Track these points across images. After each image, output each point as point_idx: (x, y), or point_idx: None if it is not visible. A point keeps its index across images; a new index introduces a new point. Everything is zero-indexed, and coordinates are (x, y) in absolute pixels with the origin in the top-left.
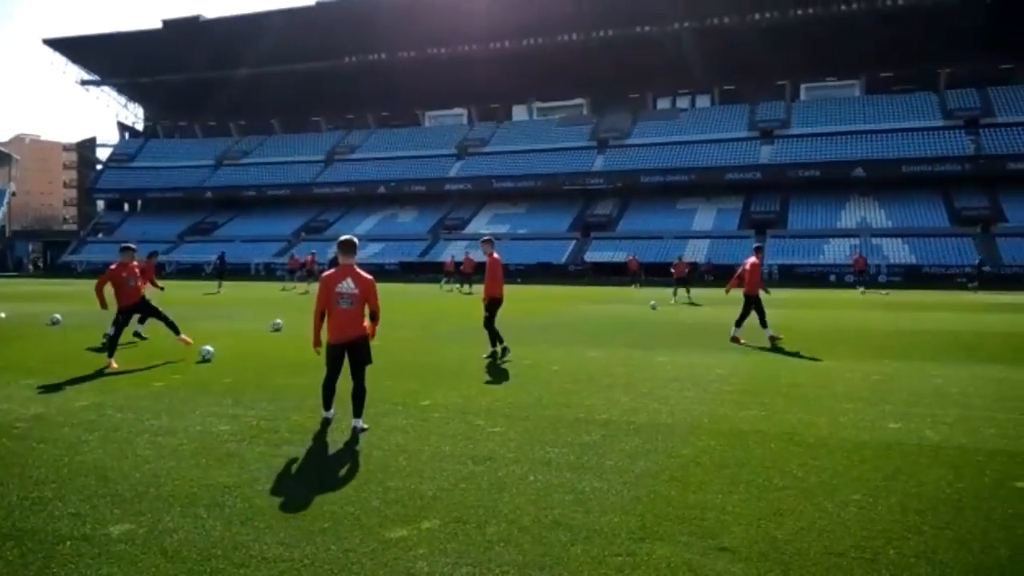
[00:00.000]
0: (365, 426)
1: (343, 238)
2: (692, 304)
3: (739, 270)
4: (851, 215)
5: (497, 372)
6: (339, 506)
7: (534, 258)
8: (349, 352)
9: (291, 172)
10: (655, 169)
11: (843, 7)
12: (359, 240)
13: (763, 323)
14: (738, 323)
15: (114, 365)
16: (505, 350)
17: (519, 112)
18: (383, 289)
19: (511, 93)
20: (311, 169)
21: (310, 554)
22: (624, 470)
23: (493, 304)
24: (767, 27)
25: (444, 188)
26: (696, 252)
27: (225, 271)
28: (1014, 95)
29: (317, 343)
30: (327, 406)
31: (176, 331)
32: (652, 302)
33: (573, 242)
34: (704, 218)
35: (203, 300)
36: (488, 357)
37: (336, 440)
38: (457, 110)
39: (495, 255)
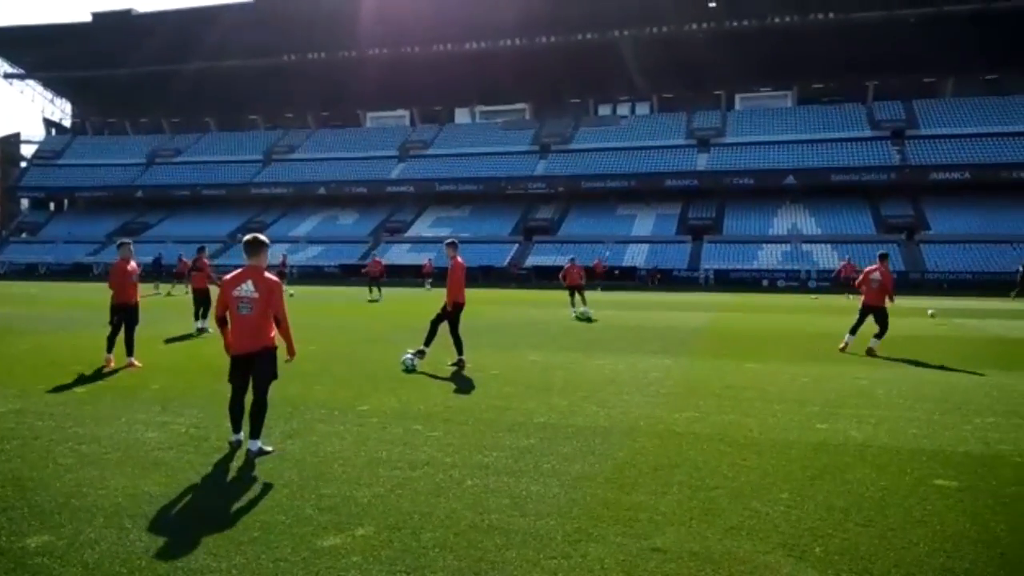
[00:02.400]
0: (268, 448)
1: (248, 236)
2: (586, 319)
3: (861, 276)
4: (783, 222)
5: (436, 377)
6: (271, 515)
7: (476, 261)
8: (252, 364)
9: (227, 172)
10: (596, 175)
11: (776, 20)
12: (299, 240)
13: (878, 333)
14: (852, 330)
15: (112, 363)
16: (460, 362)
17: (462, 115)
18: (322, 292)
19: (454, 96)
20: (248, 169)
21: (239, 564)
22: (561, 473)
23: (456, 309)
24: (704, 37)
25: (386, 190)
26: (636, 257)
27: (163, 273)
28: (937, 108)
29: (228, 349)
30: (235, 427)
31: (131, 349)
32: (572, 311)
33: (515, 246)
34: (644, 223)
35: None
36: (454, 365)
37: (271, 448)
38: (399, 111)
39: (459, 259)
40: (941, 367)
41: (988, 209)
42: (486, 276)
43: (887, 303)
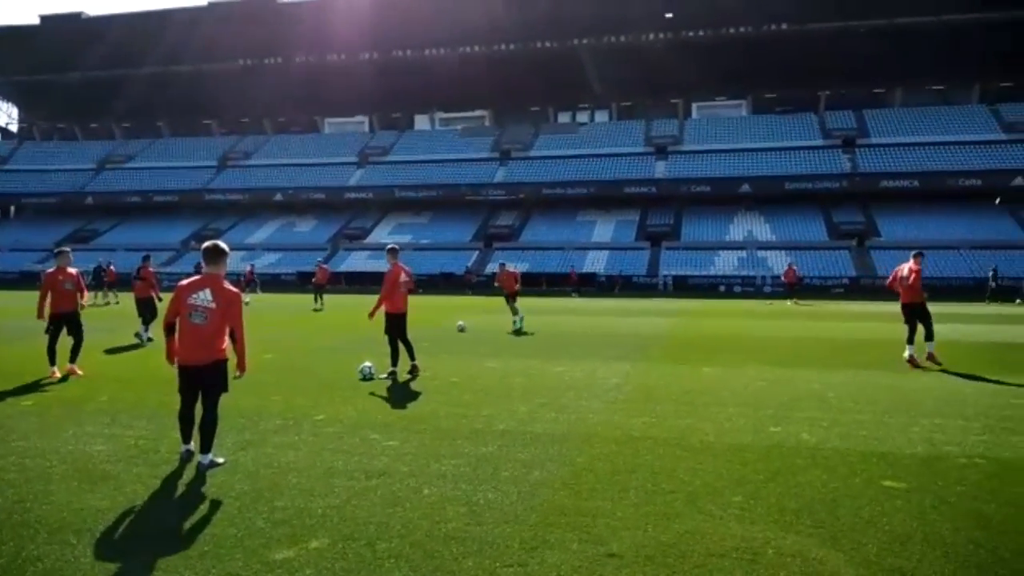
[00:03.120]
0: (220, 460)
1: (207, 244)
2: (521, 332)
3: (893, 275)
4: (739, 229)
5: (395, 385)
6: (221, 528)
7: (437, 268)
8: (201, 377)
9: (180, 178)
10: (556, 182)
11: (731, 30)
12: (255, 248)
13: (927, 336)
14: (909, 339)
15: (57, 374)
16: (392, 374)
17: (421, 122)
18: (280, 300)
19: (413, 102)
20: (202, 175)
21: None
22: (519, 480)
23: (398, 318)
24: (661, 47)
25: (344, 196)
26: (595, 263)
27: (104, 281)
28: (886, 117)
29: (171, 358)
30: (185, 438)
31: (75, 356)
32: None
33: (476, 252)
34: (603, 230)
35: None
36: (409, 373)
37: (222, 459)
38: (358, 117)
39: (399, 265)
40: (892, 371)
41: (936, 216)
42: (447, 283)
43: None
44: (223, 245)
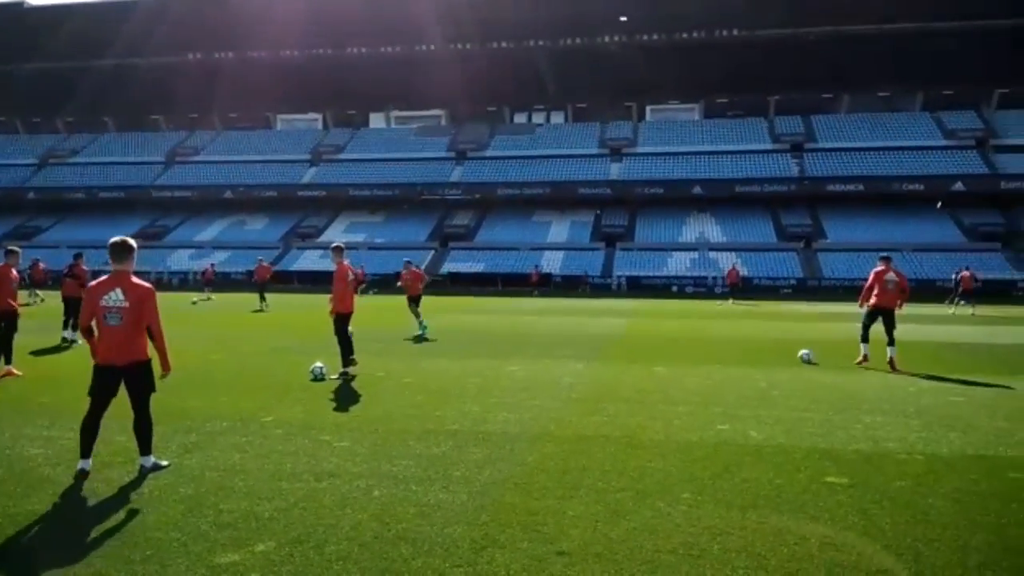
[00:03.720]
0: (164, 463)
1: (114, 239)
2: (423, 339)
3: (871, 279)
4: (691, 230)
5: (347, 386)
6: (165, 532)
7: (392, 268)
8: (124, 380)
9: (127, 173)
10: (512, 182)
11: (684, 35)
12: (204, 246)
13: (888, 340)
14: (889, 342)
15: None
16: (344, 374)
17: (376, 120)
18: (230, 300)
19: (368, 100)
20: (149, 171)
21: None
22: (470, 480)
23: (347, 318)
24: (616, 50)
25: (297, 194)
26: (551, 263)
27: (36, 280)
28: (833, 123)
29: (97, 358)
30: (84, 452)
31: (8, 359)
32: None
33: (431, 252)
34: (558, 230)
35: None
36: (340, 376)
37: (166, 462)
38: (311, 115)
39: (345, 264)
40: (836, 369)
41: (880, 219)
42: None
43: (897, 307)
44: (131, 241)
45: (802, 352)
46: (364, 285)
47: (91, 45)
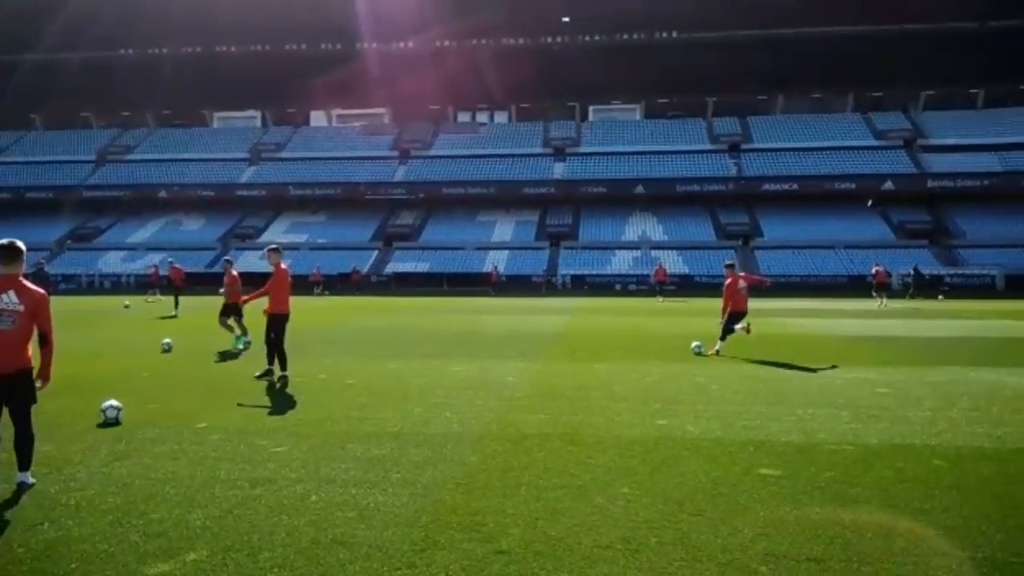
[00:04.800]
0: (31, 480)
1: (3, 242)
2: (240, 353)
3: (727, 289)
4: (634, 229)
5: (284, 389)
6: (91, 544)
7: (335, 268)
8: (7, 387)
9: (55, 173)
10: (456, 181)
11: (625, 37)
12: (137, 247)
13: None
14: (722, 337)
15: None
16: (284, 378)
17: (318, 118)
18: (163, 302)
19: (309, 97)
20: (79, 170)
21: None
22: (411, 482)
23: (277, 320)
24: (558, 50)
25: (235, 194)
26: (496, 263)
27: None
28: (769, 124)
29: None
30: None
31: None
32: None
33: (375, 252)
34: (503, 230)
35: None
36: (262, 376)
37: (94, 471)
38: (250, 112)
39: (283, 265)
40: (771, 363)
41: (814, 217)
42: (346, 283)
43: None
44: (20, 244)
45: (694, 344)
46: (321, 287)
47: (17, 39)
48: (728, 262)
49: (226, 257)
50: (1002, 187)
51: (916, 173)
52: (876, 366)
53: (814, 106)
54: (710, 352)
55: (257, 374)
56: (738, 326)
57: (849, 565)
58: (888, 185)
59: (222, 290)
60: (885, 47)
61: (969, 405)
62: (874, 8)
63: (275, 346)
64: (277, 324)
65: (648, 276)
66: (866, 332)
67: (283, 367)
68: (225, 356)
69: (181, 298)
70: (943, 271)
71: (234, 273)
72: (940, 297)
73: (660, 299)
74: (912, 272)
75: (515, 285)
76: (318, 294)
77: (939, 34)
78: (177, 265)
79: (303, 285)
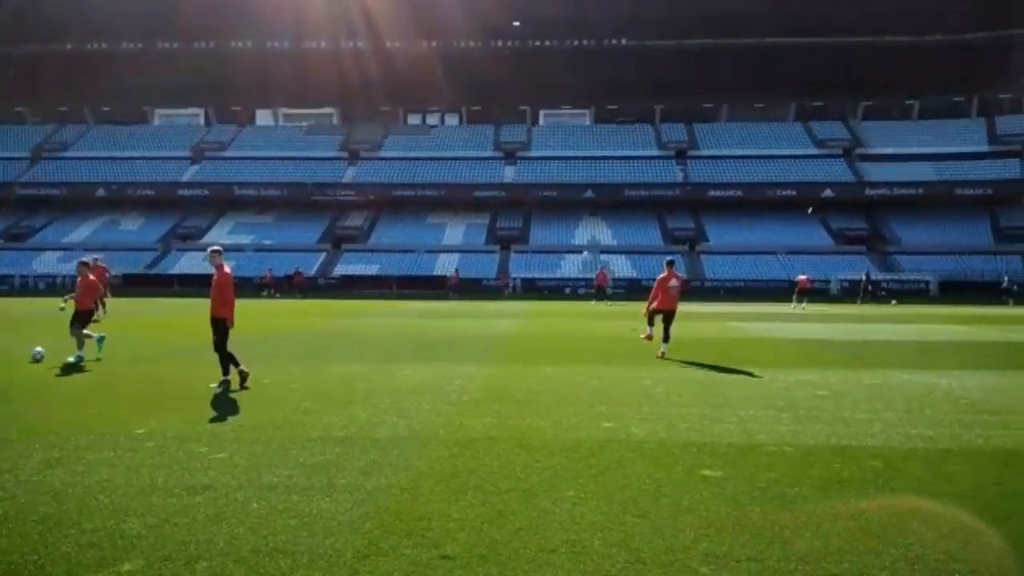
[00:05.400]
0: None
1: None
2: (77, 367)
3: (656, 286)
4: (584, 233)
5: (227, 394)
6: (20, 555)
7: (281, 270)
8: None
9: None
10: (407, 183)
11: (575, 43)
12: (73, 248)
13: (667, 337)
14: (665, 339)
15: None
16: (244, 374)
17: (263, 116)
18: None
19: (254, 96)
20: (12, 167)
21: None
22: (356, 487)
23: (220, 324)
24: (509, 54)
25: (177, 193)
26: (447, 266)
27: None
28: (715, 131)
29: None
30: None
31: None
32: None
33: (323, 254)
34: (454, 233)
35: None
36: (219, 387)
37: (23, 479)
38: (192, 109)
39: (226, 268)
40: (715, 367)
41: (757, 223)
42: (288, 286)
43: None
44: None
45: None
46: (271, 289)
47: None
48: (669, 259)
49: (82, 259)
50: (936, 196)
51: (854, 181)
52: (816, 369)
53: (758, 115)
54: (643, 336)
55: (213, 385)
56: (642, 334)
57: (788, 564)
58: (828, 192)
59: (74, 295)
60: (826, 59)
61: (903, 407)
62: (815, 21)
63: (217, 349)
64: (221, 328)
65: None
66: (807, 335)
67: (225, 371)
68: (153, 360)
69: (107, 300)
70: (880, 276)
71: (91, 278)
72: (893, 303)
73: (600, 302)
74: (865, 278)
75: (466, 288)
76: (267, 296)
77: (877, 47)
78: (102, 264)
79: (250, 287)
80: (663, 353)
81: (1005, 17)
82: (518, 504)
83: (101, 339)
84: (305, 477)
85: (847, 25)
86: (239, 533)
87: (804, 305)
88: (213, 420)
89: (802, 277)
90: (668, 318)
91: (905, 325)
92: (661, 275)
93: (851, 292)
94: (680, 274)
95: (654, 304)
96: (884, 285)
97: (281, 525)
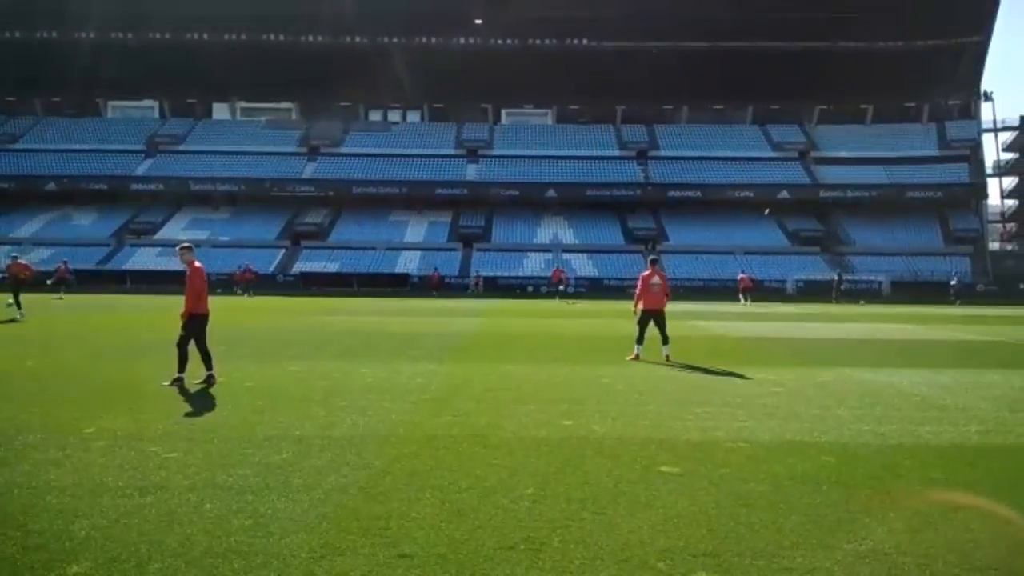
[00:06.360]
0: None
1: None
2: None
3: (639, 285)
4: (546, 232)
5: (182, 393)
6: None
7: (238, 267)
8: None
9: None
10: (368, 180)
11: (537, 42)
12: (22, 242)
13: (665, 339)
14: (664, 340)
15: None
16: (211, 377)
17: (220, 110)
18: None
19: (211, 89)
20: None
21: None
22: (312, 487)
23: (195, 322)
24: (471, 52)
25: (130, 187)
26: (408, 264)
27: None
28: (675, 132)
29: None
30: None
31: None
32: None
33: (282, 251)
34: (416, 230)
35: None
36: (172, 384)
37: None
38: (147, 102)
39: (197, 264)
40: (674, 365)
41: (716, 224)
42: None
43: (665, 305)
44: None
45: None
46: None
47: None
48: (652, 256)
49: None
50: (888, 198)
51: (809, 184)
52: (771, 366)
53: (716, 117)
54: (628, 358)
55: (165, 383)
56: (629, 356)
57: (742, 559)
58: (784, 194)
59: None
60: (782, 63)
61: (856, 404)
62: (772, 26)
63: (179, 346)
64: (194, 325)
65: (564, 277)
66: (762, 334)
67: (180, 368)
68: (104, 357)
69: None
70: (832, 275)
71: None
72: (862, 302)
73: (561, 300)
74: (837, 278)
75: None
76: (240, 294)
77: (832, 52)
78: (23, 260)
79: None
80: (667, 356)
81: (955, 26)
82: (477, 502)
83: None
84: (260, 477)
85: (804, 31)
86: (192, 534)
87: (748, 302)
88: (166, 419)
89: (742, 275)
90: (658, 320)
91: (858, 324)
92: (644, 272)
93: (806, 291)
94: (662, 271)
95: (640, 305)
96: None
97: (236, 525)
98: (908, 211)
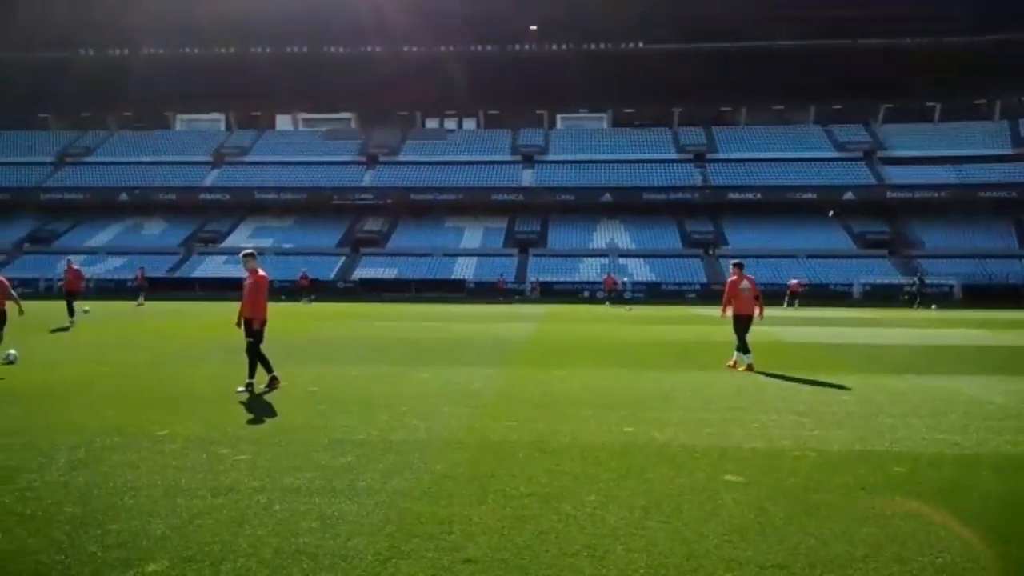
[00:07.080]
0: None
1: None
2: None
3: (727, 290)
4: (602, 237)
5: (249, 397)
6: (47, 555)
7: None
8: None
9: (11, 175)
10: (425, 187)
11: (591, 46)
12: (97, 251)
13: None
14: (744, 348)
15: None
16: (250, 386)
17: (283, 122)
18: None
19: (275, 101)
20: (37, 172)
21: None
22: (376, 490)
23: (256, 328)
24: (527, 58)
25: (199, 198)
26: (464, 270)
27: None
28: (733, 135)
29: None
30: None
31: None
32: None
33: (343, 258)
34: (472, 236)
35: None
36: (245, 389)
37: (50, 480)
38: (214, 115)
39: (260, 271)
40: (729, 371)
41: (777, 227)
42: (313, 289)
43: (756, 314)
44: None
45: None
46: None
47: None
48: (736, 261)
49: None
50: (959, 199)
51: (875, 184)
52: (839, 373)
53: (776, 118)
54: (741, 369)
55: (240, 388)
56: (741, 367)
57: (813, 571)
58: (848, 196)
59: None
60: (845, 61)
61: (928, 412)
62: (831, 24)
63: (249, 351)
64: (255, 331)
65: (616, 283)
66: (828, 339)
67: (251, 374)
68: (174, 363)
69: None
70: (902, 280)
71: (2, 279)
72: (934, 307)
73: (614, 305)
74: (918, 282)
75: (485, 292)
76: (308, 301)
77: (895, 49)
78: (76, 267)
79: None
80: (750, 366)
81: None
82: (538, 508)
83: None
84: (326, 479)
85: (864, 28)
86: (262, 535)
87: (796, 305)
88: (234, 422)
89: (793, 281)
90: (743, 325)
91: (924, 330)
92: (731, 278)
93: (873, 295)
94: (750, 275)
95: (728, 312)
96: (906, 288)
97: (304, 527)
98: (980, 212)
